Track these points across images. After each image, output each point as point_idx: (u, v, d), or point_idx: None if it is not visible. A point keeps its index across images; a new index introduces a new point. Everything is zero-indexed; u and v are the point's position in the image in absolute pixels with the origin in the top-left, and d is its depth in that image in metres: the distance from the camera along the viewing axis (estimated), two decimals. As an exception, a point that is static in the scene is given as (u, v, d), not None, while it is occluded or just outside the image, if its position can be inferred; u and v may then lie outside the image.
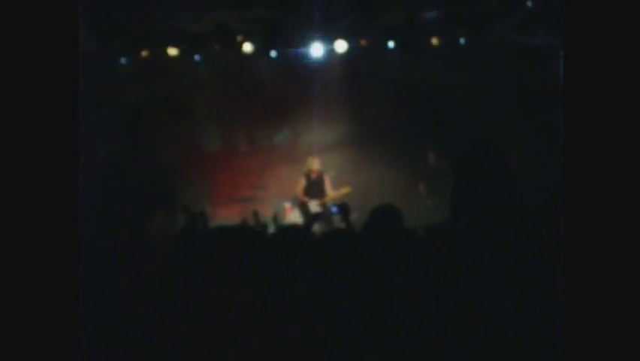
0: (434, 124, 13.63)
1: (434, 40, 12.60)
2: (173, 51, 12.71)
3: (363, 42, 12.64)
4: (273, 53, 12.87)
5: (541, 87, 14.00)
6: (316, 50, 12.94)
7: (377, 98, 14.23)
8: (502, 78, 14.04)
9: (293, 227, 5.47)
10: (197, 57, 12.95)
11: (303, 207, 12.84)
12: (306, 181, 13.06)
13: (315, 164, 13.05)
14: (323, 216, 12.22)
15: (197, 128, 14.57)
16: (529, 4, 11.31)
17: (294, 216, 13.03)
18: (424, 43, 12.65)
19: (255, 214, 11.60)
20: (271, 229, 8.91)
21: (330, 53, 12.96)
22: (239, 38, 12.57)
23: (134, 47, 12.61)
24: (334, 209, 12.33)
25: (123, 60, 12.78)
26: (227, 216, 13.84)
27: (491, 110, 13.71)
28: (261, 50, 12.76)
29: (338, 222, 11.50)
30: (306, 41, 12.90)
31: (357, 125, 14.50)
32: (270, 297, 3.63)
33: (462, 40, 12.73)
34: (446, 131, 13.30)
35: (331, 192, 12.96)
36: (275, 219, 11.11)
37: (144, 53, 12.78)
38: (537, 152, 13.22)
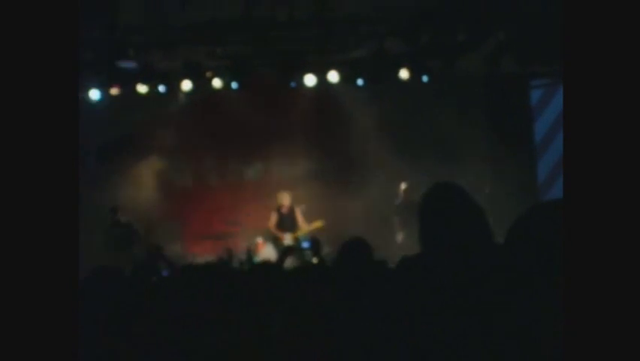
0: (404, 157, 13.65)
1: (403, 73, 12.66)
2: (142, 88, 12.67)
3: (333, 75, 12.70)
4: (243, 88, 12.88)
5: (512, 118, 14.12)
6: (287, 84, 13.02)
7: (347, 131, 14.28)
8: (472, 110, 14.13)
9: (267, 263, 5.46)
10: (166, 93, 12.93)
11: (278, 242, 12.82)
12: (277, 216, 13.07)
13: (285, 198, 13.08)
14: (295, 250, 12.22)
15: (167, 164, 14.49)
16: (498, 35, 11.41)
17: (266, 252, 12.99)
18: (393, 76, 12.72)
19: (248, 252, 11.66)
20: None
21: (301, 86, 13.01)
22: (208, 74, 12.58)
23: (104, 84, 12.56)
24: (305, 244, 12.33)
25: (93, 97, 12.71)
26: (199, 252, 13.75)
27: (462, 142, 13.78)
28: (230, 86, 12.77)
29: (310, 256, 11.50)
30: (275, 76, 12.96)
31: (328, 159, 14.51)
32: (246, 333, 3.59)
33: (431, 73, 12.82)
34: (417, 164, 13.34)
35: (304, 225, 12.98)
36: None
37: (114, 91, 12.74)
38: (510, 182, 13.29)
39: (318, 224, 12.88)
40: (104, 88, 12.64)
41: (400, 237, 12.93)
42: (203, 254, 13.35)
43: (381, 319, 3.16)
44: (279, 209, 13.10)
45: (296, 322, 3.79)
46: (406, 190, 13.34)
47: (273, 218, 13.10)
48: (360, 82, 13.03)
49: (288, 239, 12.77)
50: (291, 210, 13.11)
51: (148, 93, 12.75)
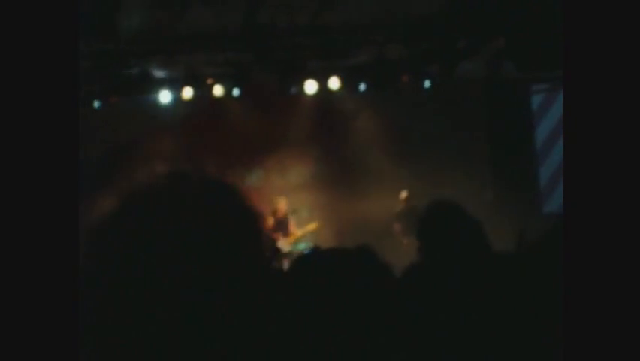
0: (405, 163, 13.64)
1: (404, 79, 12.66)
2: (143, 96, 12.62)
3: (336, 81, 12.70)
4: (243, 95, 12.85)
5: (512, 123, 14.10)
6: (285, 90, 13.01)
7: (348, 137, 14.29)
8: (473, 115, 14.12)
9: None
10: (167, 101, 12.86)
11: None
12: (273, 221, 13.06)
13: (281, 204, 13.08)
14: (290, 255, 12.23)
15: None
16: (498, 40, 11.40)
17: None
18: (394, 82, 12.71)
19: None
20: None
21: (301, 93, 13.00)
22: (209, 81, 12.56)
23: (105, 93, 12.51)
24: (307, 251, 12.30)
25: (95, 106, 12.64)
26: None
27: (463, 148, 13.78)
28: (231, 92, 12.75)
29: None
30: (276, 82, 12.95)
31: (329, 165, 14.50)
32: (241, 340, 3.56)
33: (432, 79, 12.81)
34: (418, 170, 13.33)
35: (296, 230, 13.00)
36: None
37: (114, 99, 12.69)
38: (511, 188, 13.27)
39: (312, 226, 12.92)
40: (104, 97, 12.58)
41: (402, 242, 12.88)
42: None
43: (385, 325, 3.14)
44: (274, 214, 13.09)
45: (293, 326, 3.77)
46: (406, 198, 13.31)
47: (269, 222, 13.09)
48: (361, 88, 13.01)
49: (282, 244, 12.73)
50: (285, 216, 13.11)
51: (149, 101, 12.72)
